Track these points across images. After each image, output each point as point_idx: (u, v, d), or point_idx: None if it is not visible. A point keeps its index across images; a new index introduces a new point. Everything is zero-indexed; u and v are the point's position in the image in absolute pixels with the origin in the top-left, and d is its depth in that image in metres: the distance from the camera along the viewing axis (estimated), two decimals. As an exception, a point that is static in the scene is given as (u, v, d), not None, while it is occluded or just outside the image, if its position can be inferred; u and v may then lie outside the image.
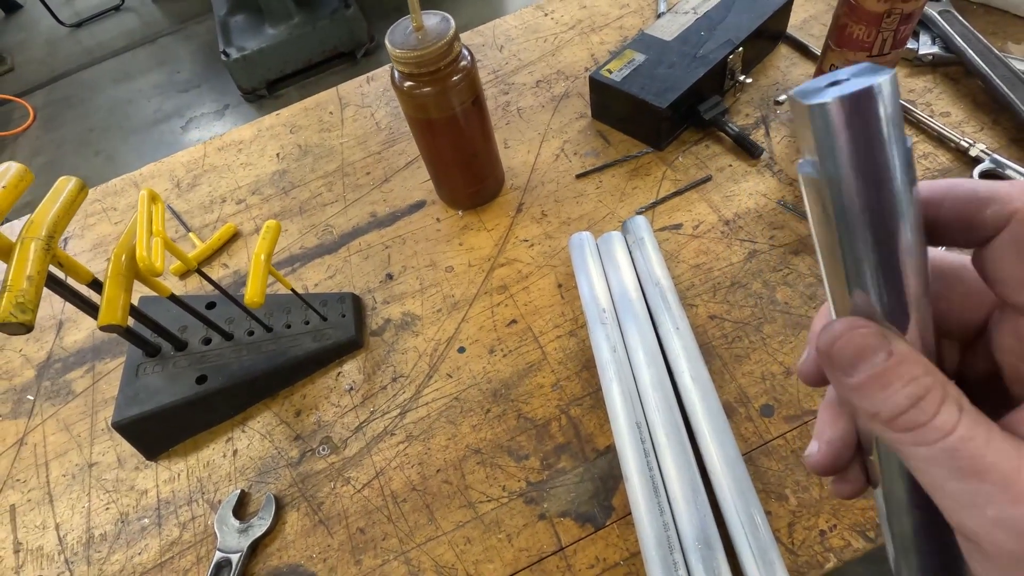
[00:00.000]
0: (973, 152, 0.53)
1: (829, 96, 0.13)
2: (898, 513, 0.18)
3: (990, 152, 0.52)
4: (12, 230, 0.67)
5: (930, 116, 0.56)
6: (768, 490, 0.40)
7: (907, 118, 0.58)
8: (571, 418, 0.46)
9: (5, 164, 0.40)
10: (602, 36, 0.74)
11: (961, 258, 0.19)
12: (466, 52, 0.50)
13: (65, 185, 0.41)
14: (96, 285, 0.43)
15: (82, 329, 0.60)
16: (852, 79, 0.14)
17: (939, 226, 0.17)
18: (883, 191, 0.14)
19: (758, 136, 0.60)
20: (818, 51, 0.63)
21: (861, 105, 0.13)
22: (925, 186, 0.17)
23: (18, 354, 0.60)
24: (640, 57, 0.61)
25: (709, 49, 0.60)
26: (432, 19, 0.48)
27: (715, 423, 0.41)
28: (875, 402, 0.16)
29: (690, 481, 0.39)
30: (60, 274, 0.42)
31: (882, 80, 0.13)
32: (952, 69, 0.61)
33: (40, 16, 3.02)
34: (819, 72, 0.57)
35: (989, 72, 0.56)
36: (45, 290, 0.38)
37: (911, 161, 0.14)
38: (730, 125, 0.59)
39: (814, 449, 0.20)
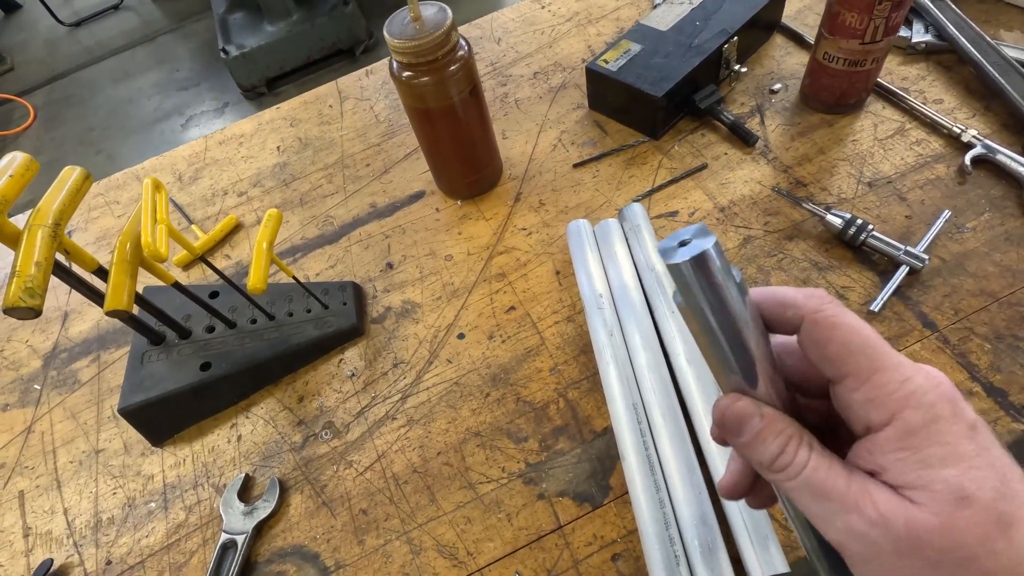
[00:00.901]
0: (965, 138, 0.53)
1: (680, 257, 0.19)
2: (799, 527, 0.23)
3: (982, 138, 0.53)
4: (17, 223, 0.67)
5: (923, 103, 0.57)
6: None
7: (900, 105, 0.58)
8: (569, 401, 0.47)
9: (11, 154, 0.41)
10: (599, 28, 0.75)
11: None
12: (463, 42, 0.51)
13: (70, 174, 0.42)
14: (101, 273, 0.44)
15: (87, 320, 0.61)
16: (694, 239, 0.20)
17: (767, 320, 0.22)
18: (725, 311, 0.20)
19: (753, 124, 0.60)
20: (812, 40, 0.63)
21: (701, 262, 0.19)
22: (756, 293, 0.22)
23: (24, 345, 0.61)
24: (636, 47, 0.62)
25: (704, 39, 0.61)
26: (429, 9, 0.48)
27: (710, 404, 0.42)
28: (757, 453, 0.21)
29: (686, 460, 0.40)
30: (66, 262, 0.43)
31: (711, 244, 0.19)
32: (945, 57, 0.61)
33: (39, 16, 3.02)
34: (813, 61, 0.57)
35: (981, 59, 0.57)
36: (50, 284, 0.39)
37: (743, 287, 0.20)
38: (725, 114, 0.59)
39: (723, 475, 0.25)
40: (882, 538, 0.18)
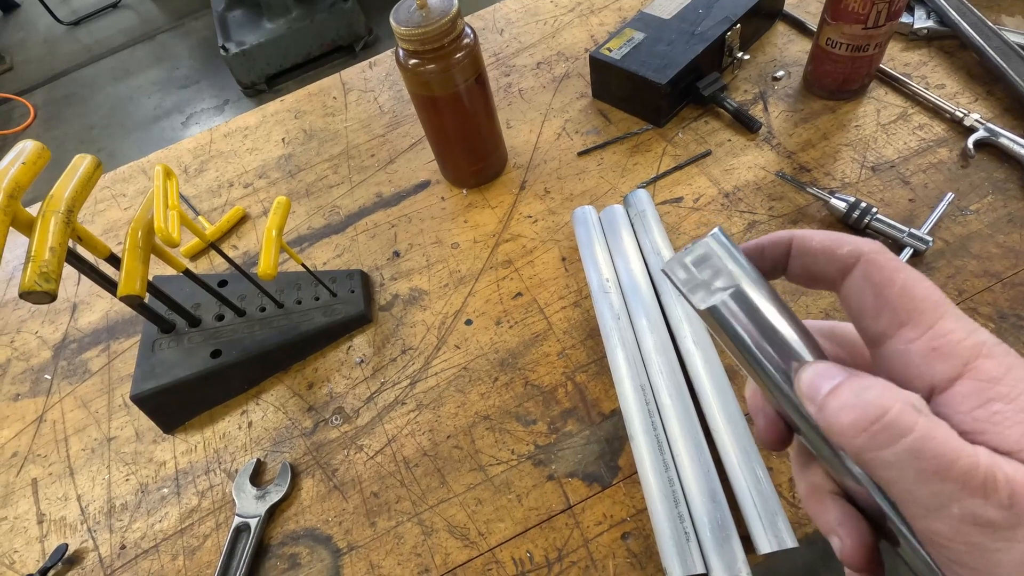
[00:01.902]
0: (967, 122, 0.54)
1: (703, 301, 0.19)
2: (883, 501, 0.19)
3: (984, 122, 0.53)
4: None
5: (925, 88, 0.57)
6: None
7: (903, 90, 0.58)
8: (577, 384, 0.47)
9: (23, 142, 0.41)
10: (601, 17, 0.75)
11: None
12: (469, 30, 0.51)
13: (81, 162, 0.43)
14: (113, 260, 0.45)
15: (96, 311, 0.62)
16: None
17: (810, 265, 0.20)
18: (765, 332, 0.19)
19: (756, 111, 0.61)
20: (814, 27, 0.64)
21: (737, 300, 0.19)
22: (800, 233, 0.20)
23: (34, 336, 0.61)
24: (639, 35, 0.62)
25: (707, 26, 0.61)
26: (435, -3, 0.48)
27: (717, 384, 0.42)
28: (841, 413, 0.17)
29: (693, 439, 0.40)
30: (79, 249, 0.43)
31: (731, 292, 0.19)
32: (947, 42, 0.61)
33: (38, 15, 3.02)
34: (816, 47, 0.57)
35: (983, 44, 0.57)
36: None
37: (766, 283, 0.19)
38: (728, 101, 0.60)
39: (758, 425, 0.22)
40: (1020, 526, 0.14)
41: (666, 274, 0.20)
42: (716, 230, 0.20)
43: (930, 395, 0.17)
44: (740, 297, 0.19)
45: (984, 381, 0.16)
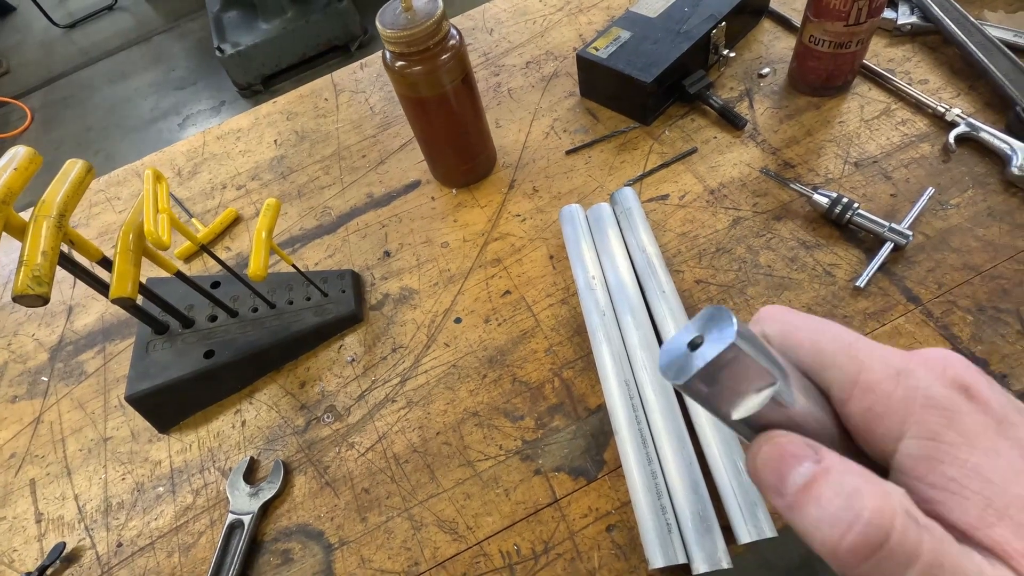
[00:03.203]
0: (949, 117, 0.54)
1: (695, 368, 0.16)
2: None
3: (966, 116, 0.54)
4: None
5: (908, 84, 0.58)
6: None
7: (886, 86, 0.59)
8: (564, 380, 0.48)
9: (14, 148, 0.42)
10: (590, 16, 0.75)
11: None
12: (454, 31, 0.51)
13: (73, 167, 0.43)
14: (105, 263, 0.45)
15: (92, 313, 0.62)
16: (707, 342, 0.16)
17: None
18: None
19: (742, 108, 0.61)
20: (799, 24, 0.64)
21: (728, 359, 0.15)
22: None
23: (31, 338, 0.62)
24: (626, 34, 0.63)
25: (693, 24, 0.61)
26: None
27: (700, 379, 0.43)
28: (817, 526, 0.14)
29: (676, 432, 0.41)
30: (69, 251, 0.44)
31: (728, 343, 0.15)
32: (930, 38, 0.62)
33: (34, 18, 3.02)
34: (799, 45, 0.58)
35: (965, 40, 0.58)
36: (56, 276, 0.40)
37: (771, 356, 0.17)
38: (714, 98, 0.60)
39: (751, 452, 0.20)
40: None
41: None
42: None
43: (883, 457, 0.15)
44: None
45: (928, 440, 0.14)
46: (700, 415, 0.41)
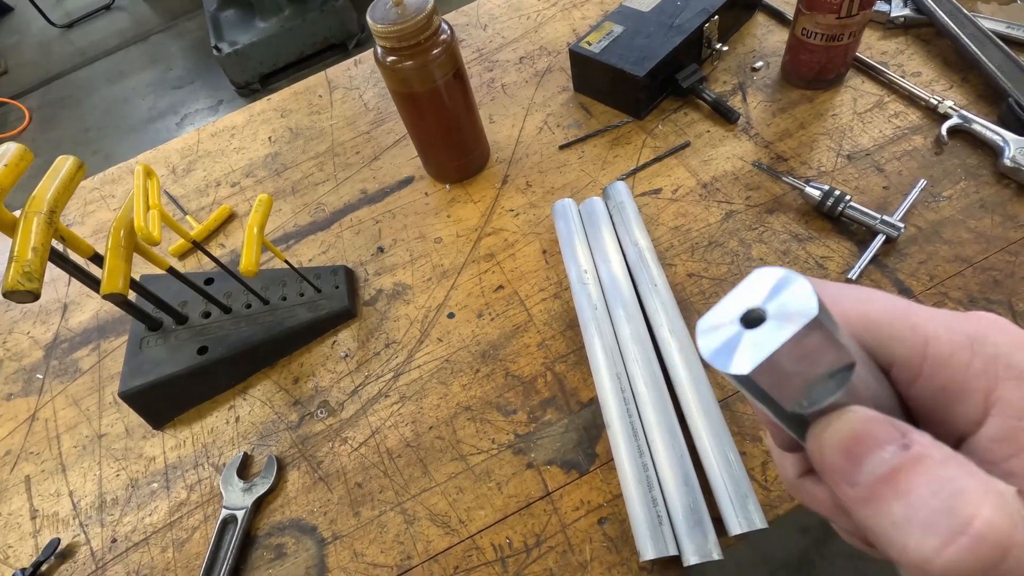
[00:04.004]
0: (942, 109, 0.54)
1: (756, 357, 0.12)
2: None
3: (958, 108, 0.54)
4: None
5: (901, 76, 0.58)
6: (743, 433, 0.43)
7: (879, 79, 0.59)
8: (556, 374, 0.48)
9: (4, 145, 0.42)
10: (583, 11, 0.75)
11: None
12: (446, 26, 0.51)
13: (63, 163, 0.43)
14: (98, 260, 0.45)
15: (86, 311, 0.63)
16: (773, 317, 0.12)
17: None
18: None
19: (735, 102, 0.61)
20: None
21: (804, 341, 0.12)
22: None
23: (26, 336, 0.62)
24: (618, 29, 0.63)
25: (685, 18, 0.61)
26: (411, -6, 0.49)
27: (692, 372, 0.43)
28: (900, 524, 0.11)
29: (668, 426, 0.41)
30: (62, 248, 0.44)
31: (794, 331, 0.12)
32: (923, 31, 0.62)
33: (31, 18, 3.02)
34: (792, 38, 0.58)
35: (958, 32, 0.58)
36: (49, 277, 0.40)
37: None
38: (707, 92, 0.60)
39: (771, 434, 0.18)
40: None
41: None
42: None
43: (957, 444, 0.13)
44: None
45: (1016, 420, 0.12)
46: (691, 407, 0.41)
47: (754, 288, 0.13)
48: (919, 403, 0.14)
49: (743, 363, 0.12)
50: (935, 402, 0.14)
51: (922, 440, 0.12)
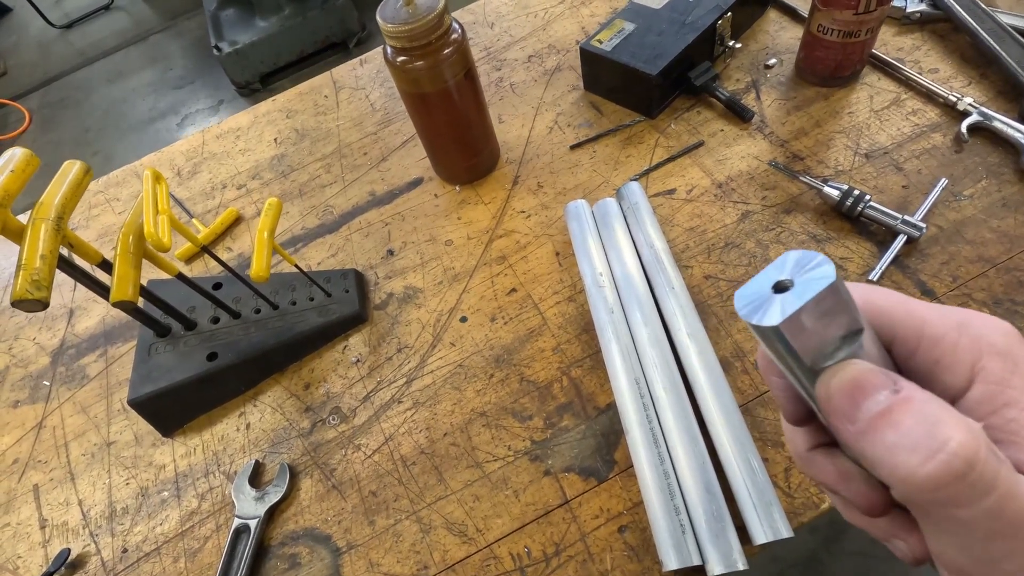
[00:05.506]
0: (961, 106, 0.53)
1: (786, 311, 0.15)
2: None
3: (978, 105, 0.53)
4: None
5: (919, 73, 0.57)
6: (765, 439, 0.42)
7: (896, 76, 0.58)
8: (572, 379, 0.47)
9: (10, 150, 0.41)
10: (592, 8, 0.74)
11: None
12: (457, 25, 0.50)
13: (71, 168, 0.42)
14: (105, 266, 0.45)
15: (93, 316, 0.62)
16: (799, 283, 0.15)
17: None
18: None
19: (749, 100, 0.60)
20: (806, 14, 0.63)
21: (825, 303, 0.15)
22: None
23: (32, 343, 0.61)
24: (630, 26, 0.62)
25: (698, 15, 0.60)
26: (421, -7, 0.48)
27: (712, 376, 0.42)
28: (890, 453, 0.14)
29: (688, 431, 0.40)
30: (69, 255, 0.43)
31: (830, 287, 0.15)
32: (940, 26, 0.61)
33: (30, 19, 3.01)
34: (807, 34, 0.57)
35: (976, 27, 0.57)
36: (55, 281, 0.40)
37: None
38: (720, 90, 0.59)
39: (776, 394, 0.20)
40: None
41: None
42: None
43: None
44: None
45: (995, 385, 0.15)
46: (712, 412, 0.41)
47: (783, 266, 0.16)
48: (915, 374, 0.17)
49: (774, 316, 0.15)
50: (930, 373, 0.17)
51: (909, 386, 0.15)
